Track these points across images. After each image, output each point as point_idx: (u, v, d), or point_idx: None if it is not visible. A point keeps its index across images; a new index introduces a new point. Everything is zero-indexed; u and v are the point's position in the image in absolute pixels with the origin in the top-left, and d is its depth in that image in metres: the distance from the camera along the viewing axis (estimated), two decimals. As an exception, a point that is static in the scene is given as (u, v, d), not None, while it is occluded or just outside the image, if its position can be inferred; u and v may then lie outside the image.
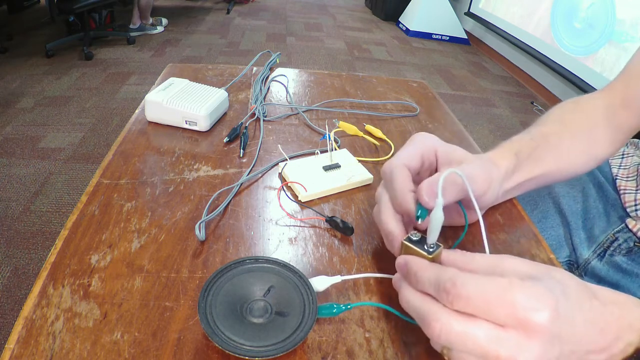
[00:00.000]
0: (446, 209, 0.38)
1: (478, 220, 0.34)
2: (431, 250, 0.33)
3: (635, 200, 0.60)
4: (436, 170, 0.42)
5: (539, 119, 0.53)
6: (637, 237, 0.58)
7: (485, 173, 0.40)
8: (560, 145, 0.49)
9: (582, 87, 2.49)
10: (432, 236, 0.33)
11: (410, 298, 0.30)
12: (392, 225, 0.38)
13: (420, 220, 0.37)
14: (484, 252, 0.32)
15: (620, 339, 0.28)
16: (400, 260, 0.33)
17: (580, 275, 0.63)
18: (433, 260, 0.32)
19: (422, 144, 0.41)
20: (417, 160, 0.40)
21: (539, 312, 0.24)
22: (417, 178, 0.41)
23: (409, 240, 0.34)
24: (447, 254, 0.32)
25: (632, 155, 0.67)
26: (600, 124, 0.53)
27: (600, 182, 0.67)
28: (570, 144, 0.50)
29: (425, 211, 0.37)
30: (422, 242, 0.34)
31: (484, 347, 0.25)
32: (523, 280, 0.26)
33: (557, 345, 0.25)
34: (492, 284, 0.26)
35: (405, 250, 0.35)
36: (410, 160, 0.40)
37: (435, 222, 0.32)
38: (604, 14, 2.42)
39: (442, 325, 0.27)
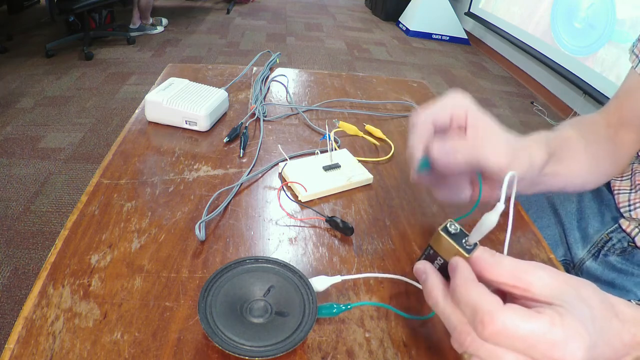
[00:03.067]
0: (455, 179, 0.37)
1: (508, 222, 0.31)
2: (469, 248, 0.30)
3: (629, 200, 0.60)
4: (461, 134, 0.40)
5: (555, 127, 0.52)
6: (630, 237, 0.58)
7: (508, 152, 0.37)
8: (576, 151, 0.49)
9: (582, 87, 2.48)
10: (476, 236, 0.30)
11: (441, 300, 0.29)
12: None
13: (418, 171, 0.36)
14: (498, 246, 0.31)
15: (628, 354, 0.29)
16: (453, 262, 0.30)
17: (576, 275, 0.63)
18: (467, 259, 0.30)
19: (455, 105, 0.39)
20: (447, 118, 0.39)
21: (575, 352, 0.24)
22: (443, 134, 0.40)
23: (446, 231, 0.31)
24: (476, 253, 0.30)
25: (627, 166, 0.67)
26: (603, 141, 0.54)
27: None
28: (583, 152, 0.50)
29: (427, 165, 0.36)
30: (459, 236, 0.31)
31: None
32: (562, 317, 0.25)
33: None
34: (533, 323, 0.25)
35: (439, 242, 0.32)
36: (439, 116, 0.39)
37: (486, 225, 0.29)
38: (604, 14, 2.42)
39: (473, 340, 0.26)
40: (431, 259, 0.33)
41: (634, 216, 0.58)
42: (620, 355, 0.28)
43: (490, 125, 0.38)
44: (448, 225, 0.31)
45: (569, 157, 0.47)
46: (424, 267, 0.32)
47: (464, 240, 0.30)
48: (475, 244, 0.30)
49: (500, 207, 0.29)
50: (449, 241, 0.31)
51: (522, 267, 0.28)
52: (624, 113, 0.54)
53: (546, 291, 0.27)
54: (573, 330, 0.25)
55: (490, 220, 0.29)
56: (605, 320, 0.28)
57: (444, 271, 0.31)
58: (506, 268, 0.28)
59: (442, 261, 0.32)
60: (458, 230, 0.31)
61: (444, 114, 0.39)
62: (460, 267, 0.29)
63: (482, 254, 0.29)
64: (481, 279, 0.29)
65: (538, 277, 0.27)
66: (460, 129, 0.40)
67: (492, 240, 0.47)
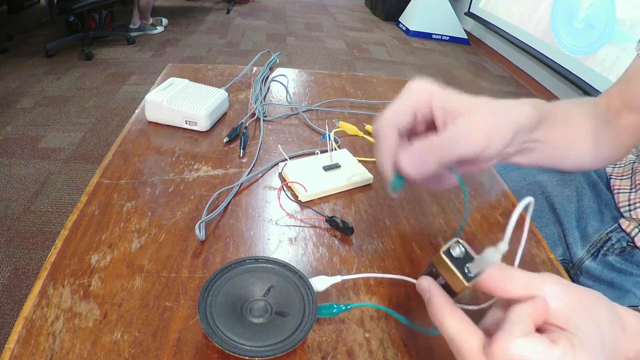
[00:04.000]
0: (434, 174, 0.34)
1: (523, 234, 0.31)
2: (470, 276, 0.28)
3: (629, 200, 0.60)
4: (433, 124, 0.36)
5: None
6: (630, 237, 0.58)
7: (484, 124, 0.33)
8: (572, 121, 0.45)
9: (582, 87, 2.48)
10: (476, 269, 0.28)
11: (445, 324, 0.28)
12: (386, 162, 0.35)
13: (393, 190, 0.34)
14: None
15: None
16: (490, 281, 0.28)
17: (575, 275, 0.63)
18: (469, 287, 0.28)
19: (415, 98, 0.36)
20: (409, 116, 0.36)
21: None
22: (412, 133, 0.37)
23: (448, 255, 0.28)
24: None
25: (628, 153, 0.67)
26: (602, 121, 0.52)
27: (594, 181, 0.66)
28: (581, 124, 0.46)
29: (401, 181, 0.33)
30: (463, 261, 0.28)
31: None
32: (574, 349, 0.24)
33: None
34: (546, 354, 0.24)
35: (438, 261, 0.29)
36: (400, 118, 0.35)
37: (487, 264, 0.27)
38: (604, 13, 2.42)
39: None
40: (434, 276, 0.31)
41: (634, 216, 0.58)
42: None
43: (458, 107, 0.34)
44: (451, 248, 0.29)
45: (565, 126, 0.44)
46: (428, 285, 0.30)
47: (466, 267, 0.28)
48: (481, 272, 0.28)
49: (503, 247, 0.27)
50: (449, 266, 0.28)
51: (535, 283, 0.27)
52: (627, 98, 0.52)
53: (560, 312, 0.26)
54: None
55: (493, 258, 0.27)
56: (615, 341, 0.27)
57: (447, 289, 0.29)
58: (518, 283, 0.27)
59: (444, 282, 0.30)
60: (463, 253, 0.28)
61: (405, 113, 0.36)
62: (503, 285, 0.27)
63: (493, 271, 0.28)
64: (493, 295, 0.28)
65: (552, 295, 0.26)
66: (427, 120, 0.37)
67: (493, 241, 0.47)
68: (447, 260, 0.28)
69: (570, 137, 0.44)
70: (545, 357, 0.24)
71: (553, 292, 0.26)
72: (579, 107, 0.49)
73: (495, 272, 0.28)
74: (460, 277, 0.28)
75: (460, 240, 0.29)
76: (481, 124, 0.33)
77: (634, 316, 0.30)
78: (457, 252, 0.28)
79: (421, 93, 0.36)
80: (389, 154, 0.34)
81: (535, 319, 0.26)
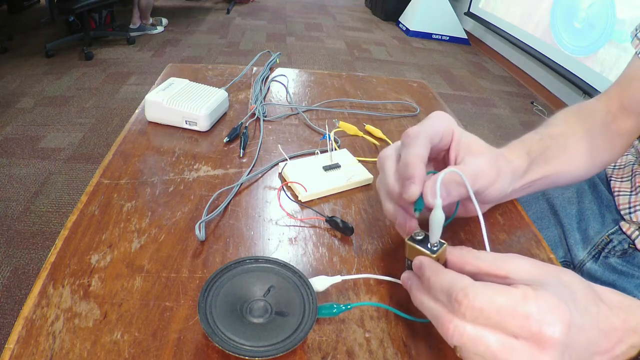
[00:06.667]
0: (453, 203, 0.38)
1: (479, 218, 0.33)
2: (434, 249, 0.33)
3: (629, 203, 0.59)
4: (447, 152, 0.41)
5: (546, 121, 0.53)
6: (631, 240, 0.58)
7: (493, 166, 0.39)
8: (567, 147, 0.49)
9: (582, 87, 2.48)
10: (434, 236, 0.33)
11: (424, 299, 0.31)
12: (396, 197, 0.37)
13: (417, 212, 0.37)
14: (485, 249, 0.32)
15: (623, 342, 0.29)
16: (416, 261, 0.33)
17: None
18: (437, 258, 0.33)
19: (442, 123, 0.40)
20: (437, 137, 0.39)
21: (553, 326, 0.24)
22: (431, 153, 0.41)
23: (412, 239, 0.34)
24: (452, 250, 0.32)
25: (627, 154, 0.66)
26: (599, 129, 0.53)
27: (594, 182, 0.66)
28: (575, 145, 0.50)
29: (422, 205, 0.36)
30: (425, 241, 0.34)
31: (495, 354, 0.26)
32: (536, 291, 0.25)
33: (567, 354, 0.26)
34: (505, 295, 0.25)
35: (409, 250, 0.35)
36: (433, 133, 0.39)
37: (435, 222, 0.32)
38: (604, 13, 2.42)
39: (456, 327, 0.27)
40: (411, 269, 0.35)
41: (634, 219, 0.58)
42: (614, 342, 0.29)
43: (471, 147, 0.40)
44: (414, 234, 0.35)
45: (560, 156, 0.48)
46: (408, 276, 0.34)
47: (429, 244, 0.33)
48: (441, 244, 0.33)
49: (439, 202, 0.32)
50: (415, 247, 0.34)
51: (502, 258, 0.30)
52: (625, 100, 0.54)
53: (525, 276, 0.28)
54: (547, 304, 0.25)
55: (436, 216, 0.32)
56: (591, 303, 0.28)
57: None
58: (486, 259, 0.30)
59: None
60: (423, 236, 0.34)
61: (435, 133, 0.39)
62: (425, 262, 0.32)
63: (460, 251, 0.32)
64: (462, 272, 0.30)
65: (517, 265, 0.29)
66: (445, 148, 0.41)
67: (492, 241, 0.47)
68: (413, 244, 0.34)
69: (566, 162, 0.50)
70: (505, 299, 0.26)
71: (518, 263, 0.29)
72: (575, 122, 0.53)
73: (463, 252, 0.32)
74: (426, 251, 0.33)
75: (421, 230, 0.35)
76: (491, 165, 0.39)
77: (613, 292, 0.31)
78: (418, 236, 0.34)
79: (446, 122, 0.40)
80: (421, 159, 0.36)
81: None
